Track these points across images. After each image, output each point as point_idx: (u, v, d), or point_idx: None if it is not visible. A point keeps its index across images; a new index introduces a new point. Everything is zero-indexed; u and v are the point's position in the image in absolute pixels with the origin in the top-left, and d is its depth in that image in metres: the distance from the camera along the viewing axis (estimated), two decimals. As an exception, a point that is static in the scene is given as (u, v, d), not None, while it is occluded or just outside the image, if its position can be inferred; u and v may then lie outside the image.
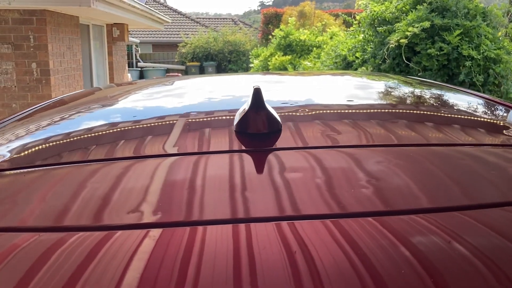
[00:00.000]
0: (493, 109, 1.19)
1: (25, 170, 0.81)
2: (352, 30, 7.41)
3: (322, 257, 0.51)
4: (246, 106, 0.83)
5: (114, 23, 9.53)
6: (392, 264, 0.50)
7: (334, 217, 0.60)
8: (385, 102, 1.23)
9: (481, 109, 1.20)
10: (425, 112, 1.13)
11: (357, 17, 7.01)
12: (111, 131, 1.00)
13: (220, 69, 19.67)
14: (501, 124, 1.09)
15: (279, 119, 0.85)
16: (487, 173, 0.75)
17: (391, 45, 5.87)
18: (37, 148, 0.94)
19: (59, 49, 6.82)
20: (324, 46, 9.28)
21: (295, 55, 10.51)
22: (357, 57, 6.70)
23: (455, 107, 1.23)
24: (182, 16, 25.64)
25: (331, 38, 9.76)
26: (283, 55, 10.49)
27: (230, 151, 0.81)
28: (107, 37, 9.56)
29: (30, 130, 1.11)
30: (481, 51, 5.28)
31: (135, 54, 20.35)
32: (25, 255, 0.55)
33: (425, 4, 5.80)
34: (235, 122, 0.84)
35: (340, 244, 0.54)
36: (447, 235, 0.56)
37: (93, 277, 0.49)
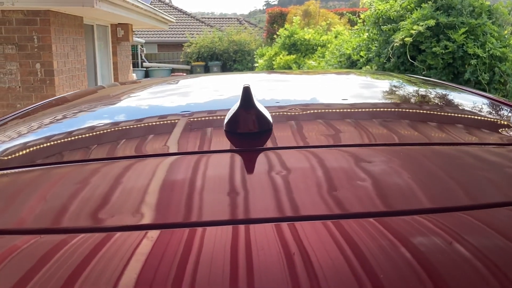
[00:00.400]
0: (495, 108, 1.17)
1: (20, 169, 0.80)
2: (357, 29, 7.38)
3: (315, 258, 0.50)
4: (236, 105, 0.82)
5: (119, 23, 9.54)
6: (391, 265, 0.50)
7: (324, 218, 0.59)
8: (383, 101, 1.21)
9: (482, 108, 1.18)
10: (424, 111, 1.11)
11: (362, 16, 6.97)
12: (95, 131, 0.99)
13: (225, 69, 19.66)
14: (502, 123, 1.07)
15: (269, 118, 0.83)
16: (488, 173, 0.74)
17: (395, 44, 5.83)
18: (33, 146, 0.93)
19: (63, 50, 6.83)
20: (329, 45, 9.24)
21: (299, 54, 10.48)
22: (361, 56, 6.66)
23: (456, 106, 1.20)
24: (187, 16, 25.66)
25: (335, 37, 9.72)
26: (287, 55, 10.46)
27: (219, 151, 0.80)
28: (112, 37, 9.58)
29: (28, 128, 1.10)
30: (487, 49, 5.24)
31: (140, 54, 20.38)
32: (21, 257, 0.54)
33: (430, 2, 5.76)
34: (225, 122, 0.83)
35: (332, 245, 0.53)
36: (448, 235, 0.55)
37: (90, 279, 0.49)
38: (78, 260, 0.52)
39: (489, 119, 1.09)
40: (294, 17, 11.84)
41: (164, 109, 1.15)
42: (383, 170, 0.73)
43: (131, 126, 1.00)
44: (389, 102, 1.20)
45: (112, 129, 0.99)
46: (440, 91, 1.38)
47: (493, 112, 1.15)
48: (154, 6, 18.40)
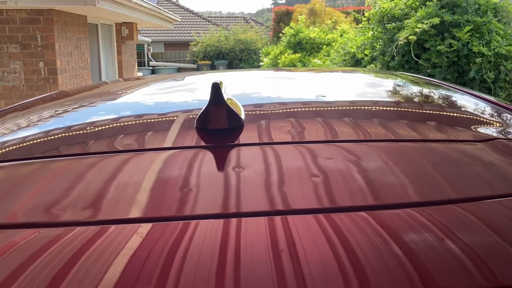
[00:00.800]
0: (485, 108, 1.15)
1: (10, 163, 0.80)
2: (361, 27, 7.33)
3: (295, 252, 0.50)
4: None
5: (123, 22, 9.55)
6: (379, 259, 0.50)
7: (287, 213, 0.59)
8: (366, 98, 1.19)
9: (470, 107, 1.16)
10: (410, 109, 1.09)
11: (366, 14, 6.92)
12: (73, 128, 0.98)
13: (231, 68, 19.65)
14: (485, 120, 1.06)
15: (241, 114, 0.84)
16: (470, 168, 0.74)
17: (400, 42, 5.78)
18: (27, 140, 0.93)
19: (66, 48, 6.84)
20: (333, 43, 9.20)
21: (305, 53, 10.44)
22: (366, 55, 6.62)
23: (443, 105, 1.19)
24: (193, 15, 25.67)
25: (341, 35, 9.66)
26: (292, 53, 10.42)
27: (188, 147, 0.81)
28: (116, 36, 9.59)
29: (23, 122, 1.11)
30: (492, 48, 5.18)
31: (147, 53, 20.42)
32: (16, 251, 0.54)
33: (434, 0, 5.70)
34: (196, 119, 0.83)
35: (309, 239, 0.53)
36: (436, 229, 0.56)
37: (81, 274, 0.49)
38: (67, 254, 0.52)
39: (475, 117, 1.07)
40: (299, 16, 11.79)
41: (145, 105, 1.15)
42: (357, 165, 0.73)
43: (105, 123, 0.99)
44: (374, 99, 1.18)
45: (86, 126, 0.98)
46: (431, 89, 1.36)
47: (479, 110, 1.14)
48: (161, 5, 18.42)
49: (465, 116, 1.07)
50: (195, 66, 20.38)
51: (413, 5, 6.09)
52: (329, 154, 0.78)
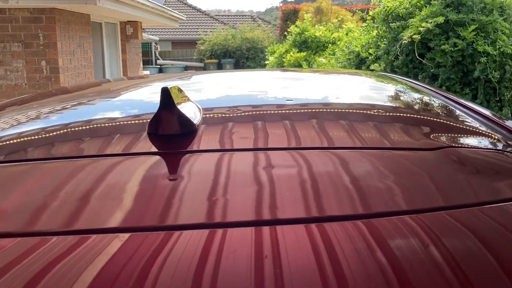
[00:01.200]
0: (449, 110, 1.11)
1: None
2: (366, 26, 7.27)
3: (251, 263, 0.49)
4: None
5: (128, 21, 9.54)
6: (363, 268, 0.49)
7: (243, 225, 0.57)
8: (333, 102, 1.15)
9: (439, 114, 1.12)
10: (374, 115, 1.04)
11: (370, 13, 6.86)
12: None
13: (238, 66, 19.63)
14: (451, 125, 1.02)
15: (194, 120, 0.82)
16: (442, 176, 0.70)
17: (404, 41, 5.71)
18: (14, 140, 0.92)
19: (68, 47, 6.84)
20: (338, 42, 9.13)
21: (310, 51, 10.37)
22: (370, 54, 6.55)
23: (417, 111, 1.13)
24: (201, 13, 25.67)
25: (347, 34, 9.59)
26: (298, 52, 10.36)
27: (138, 154, 0.79)
28: (121, 35, 9.59)
29: (13, 120, 1.09)
30: (497, 47, 5.09)
31: (154, 52, 20.46)
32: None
33: (439, -2, 5.63)
34: (148, 124, 0.82)
35: (259, 251, 0.51)
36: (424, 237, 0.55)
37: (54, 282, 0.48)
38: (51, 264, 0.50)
39: (435, 124, 1.02)
40: (305, 14, 11.72)
41: (111, 107, 1.13)
42: (315, 172, 0.71)
43: (57, 126, 0.97)
44: (343, 103, 1.14)
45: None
46: (401, 94, 1.31)
47: (446, 113, 1.10)
48: (169, 4, 18.42)
49: (425, 123, 1.02)
50: (202, 64, 20.38)
51: (418, 4, 6.02)
52: (285, 161, 0.76)
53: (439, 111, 1.12)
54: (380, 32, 6.60)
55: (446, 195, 0.66)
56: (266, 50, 12.85)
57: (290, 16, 18.86)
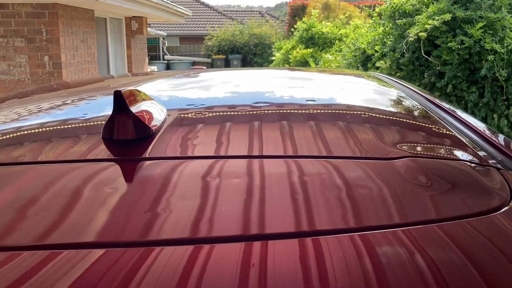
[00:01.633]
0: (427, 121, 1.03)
1: None
2: (372, 23, 7.18)
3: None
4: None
5: (133, 16, 9.50)
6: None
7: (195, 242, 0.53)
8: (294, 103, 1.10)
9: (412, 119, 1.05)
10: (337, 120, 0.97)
11: (377, 9, 6.77)
12: None
13: (246, 62, 19.57)
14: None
15: (154, 123, 0.80)
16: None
17: (410, 39, 5.61)
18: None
19: (72, 43, 6.82)
20: (345, 39, 9.03)
21: (316, 48, 10.28)
22: (376, 51, 6.47)
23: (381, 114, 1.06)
24: (209, 8, 25.61)
25: (354, 30, 9.48)
26: (304, 48, 10.27)
27: (88, 161, 0.76)
28: (126, 30, 9.55)
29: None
30: (505, 45, 4.99)
31: (162, 47, 20.46)
32: None
33: (447, -5, 5.52)
34: (102, 128, 0.80)
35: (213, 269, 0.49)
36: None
37: None
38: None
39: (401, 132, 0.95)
40: (313, 10, 11.62)
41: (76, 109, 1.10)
42: (259, 182, 0.67)
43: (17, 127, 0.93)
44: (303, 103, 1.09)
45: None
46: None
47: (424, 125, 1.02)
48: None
49: (392, 130, 0.95)
50: (209, 60, 20.34)
51: (425, 0, 5.92)
52: (241, 168, 0.72)
53: (412, 116, 1.05)
54: (386, 29, 6.51)
55: (392, 211, 0.60)
56: (273, 46, 12.77)
57: (298, 12, 18.74)
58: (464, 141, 0.88)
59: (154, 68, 16.44)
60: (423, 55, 5.53)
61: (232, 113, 1.00)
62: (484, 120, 5.34)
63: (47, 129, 0.92)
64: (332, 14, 14.66)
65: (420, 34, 5.40)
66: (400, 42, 6.00)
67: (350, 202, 0.61)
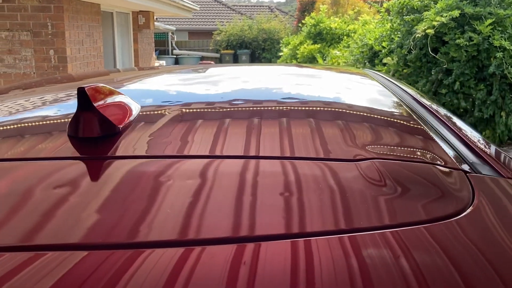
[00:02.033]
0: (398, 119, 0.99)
1: None
2: (380, 19, 7.10)
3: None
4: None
5: (140, 11, 9.48)
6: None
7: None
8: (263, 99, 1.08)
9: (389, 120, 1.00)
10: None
11: (385, 5, 6.69)
12: None
13: (254, 57, 19.51)
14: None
15: (121, 120, 0.78)
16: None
17: (417, 35, 5.53)
18: None
19: (77, 37, 6.81)
20: (353, 35, 8.95)
21: (324, 43, 10.21)
22: (383, 47, 6.39)
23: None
24: (218, 3, 25.54)
25: (362, 26, 9.40)
26: (312, 44, 10.20)
27: (52, 158, 0.75)
28: (133, 25, 9.54)
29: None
30: (515, 42, 4.90)
31: (171, 42, 20.45)
32: None
33: (456, -9, 5.43)
34: (67, 125, 0.79)
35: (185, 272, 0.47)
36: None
37: None
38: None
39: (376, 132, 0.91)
40: (321, 6, 11.53)
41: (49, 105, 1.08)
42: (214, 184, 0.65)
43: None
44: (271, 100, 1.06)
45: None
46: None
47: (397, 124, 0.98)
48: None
49: (362, 130, 0.91)
50: (218, 55, 20.31)
51: (434, -4, 5.84)
52: (203, 168, 0.69)
53: (389, 116, 1.01)
54: (394, 25, 6.43)
55: (339, 216, 0.58)
56: (281, 41, 12.70)
57: (307, 7, 18.63)
58: (438, 143, 0.84)
59: (163, 62, 16.43)
60: (430, 52, 5.45)
61: (207, 110, 0.98)
62: (491, 118, 5.26)
63: (19, 125, 0.91)
64: (341, 9, 14.55)
65: (428, 30, 5.32)
66: (407, 38, 5.91)
67: (298, 205, 0.59)
